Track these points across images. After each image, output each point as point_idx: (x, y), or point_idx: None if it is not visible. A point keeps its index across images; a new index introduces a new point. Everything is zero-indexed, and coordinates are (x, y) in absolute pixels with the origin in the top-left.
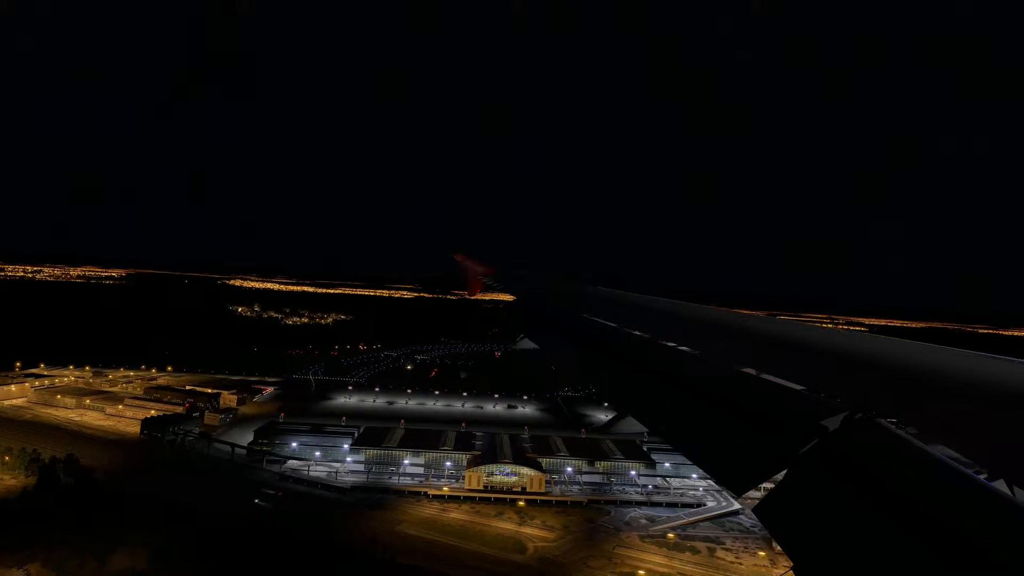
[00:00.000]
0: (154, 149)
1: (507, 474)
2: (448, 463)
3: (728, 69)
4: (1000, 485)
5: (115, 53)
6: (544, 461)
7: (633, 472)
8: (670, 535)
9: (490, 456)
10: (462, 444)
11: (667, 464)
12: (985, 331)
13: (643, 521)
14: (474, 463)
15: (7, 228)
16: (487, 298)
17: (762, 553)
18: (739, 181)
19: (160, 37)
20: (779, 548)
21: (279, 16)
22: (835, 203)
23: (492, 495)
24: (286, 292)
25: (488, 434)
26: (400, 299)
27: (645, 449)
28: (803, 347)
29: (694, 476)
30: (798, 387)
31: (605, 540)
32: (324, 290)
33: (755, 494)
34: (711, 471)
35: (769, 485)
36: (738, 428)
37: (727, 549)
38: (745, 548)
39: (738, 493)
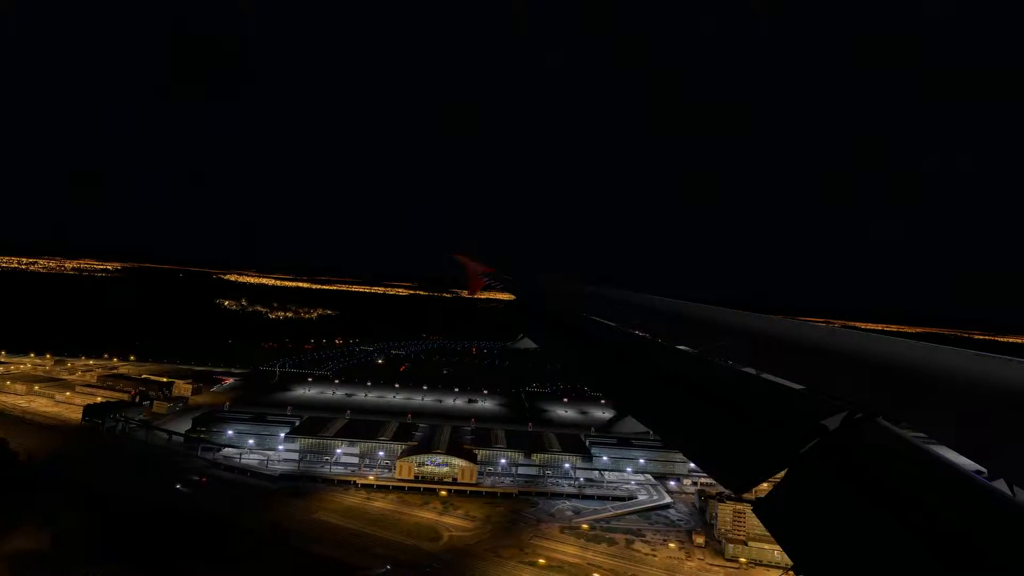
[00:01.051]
0: (158, 147)
1: (438, 464)
2: (381, 453)
3: (727, 69)
4: (1000, 485)
5: (111, 49)
6: (480, 453)
7: (567, 465)
8: (584, 526)
9: (425, 447)
10: (402, 435)
11: (605, 458)
12: (981, 336)
13: (568, 513)
14: (408, 453)
15: (9, 220)
16: (484, 296)
17: (672, 544)
18: (736, 182)
19: (161, 35)
20: (698, 541)
21: (277, 14)
22: (829, 207)
23: (422, 485)
24: (280, 288)
25: (430, 426)
26: (395, 296)
27: (587, 443)
28: (803, 347)
29: (628, 470)
30: (798, 387)
31: (524, 531)
32: (320, 286)
33: (691, 490)
34: (711, 471)
35: (769, 485)
36: (738, 428)
37: (645, 541)
38: (664, 540)
39: (738, 493)
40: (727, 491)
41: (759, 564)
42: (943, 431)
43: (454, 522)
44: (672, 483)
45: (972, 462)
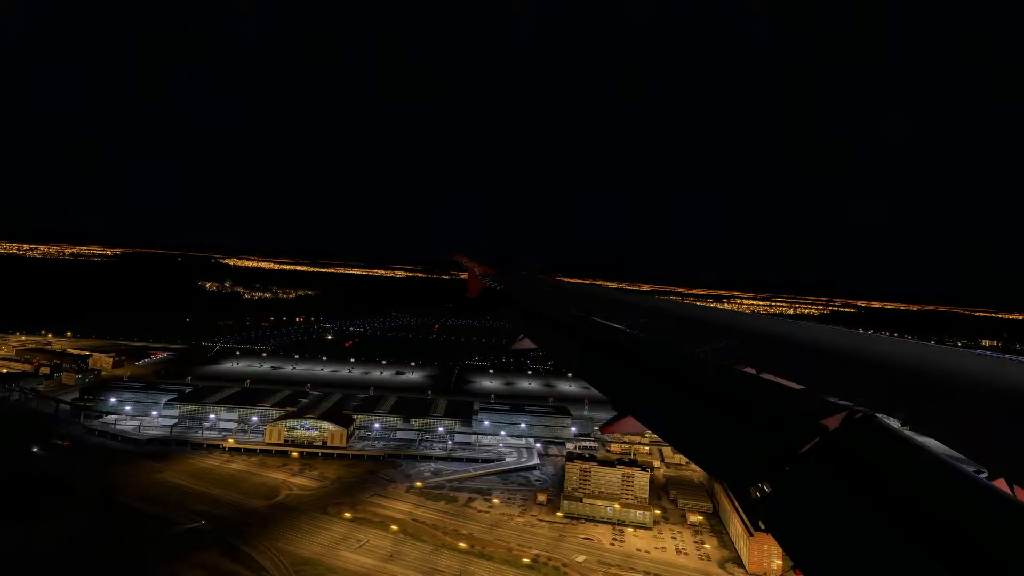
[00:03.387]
0: (188, 140)
1: (308, 428)
2: (255, 418)
3: (728, 68)
4: (1000, 484)
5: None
6: (359, 418)
7: (442, 429)
8: (418, 484)
9: (302, 412)
10: (288, 402)
11: (487, 423)
12: (983, 314)
13: (427, 474)
14: (283, 418)
15: (24, 208)
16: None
17: (496, 500)
18: (741, 175)
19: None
20: (540, 499)
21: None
22: (833, 188)
23: (288, 448)
24: (274, 271)
25: (322, 393)
26: (391, 278)
27: (477, 410)
28: (803, 347)
29: (503, 433)
30: (798, 387)
31: (367, 490)
32: (318, 269)
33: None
34: (712, 470)
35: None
36: (738, 428)
37: (487, 499)
38: (509, 499)
39: (738, 493)
40: (587, 453)
41: (590, 519)
42: (943, 431)
43: (302, 482)
44: (537, 446)
45: (972, 462)
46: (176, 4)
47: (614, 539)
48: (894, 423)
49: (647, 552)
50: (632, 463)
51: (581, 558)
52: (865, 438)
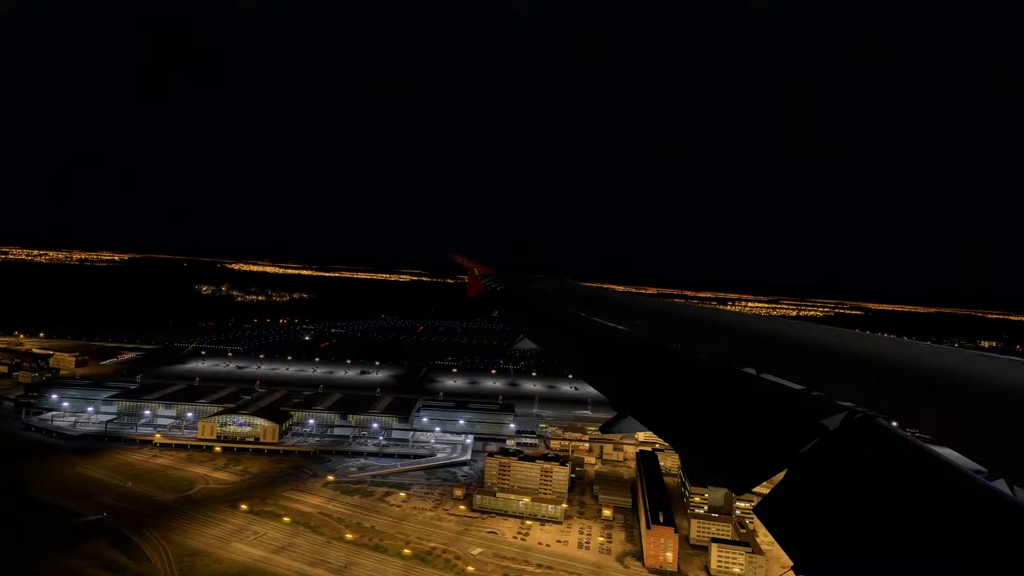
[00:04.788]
0: (163, 148)
1: (240, 424)
2: (190, 414)
3: (727, 66)
4: (1000, 485)
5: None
6: (297, 414)
7: (376, 425)
8: (330, 477)
9: (238, 409)
10: (230, 399)
11: (425, 419)
12: (995, 316)
13: (353, 469)
14: (219, 414)
15: (43, 215)
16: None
17: (402, 494)
18: (742, 173)
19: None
20: (457, 494)
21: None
22: (833, 188)
23: (219, 444)
24: (280, 275)
25: (268, 390)
26: (395, 282)
27: (419, 407)
28: (803, 347)
29: (437, 430)
30: (798, 387)
31: (285, 485)
32: (322, 274)
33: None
34: (711, 470)
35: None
36: (738, 428)
37: (403, 493)
38: (427, 493)
39: (738, 493)
40: (513, 448)
41: (502, 513)
42: (943, 431)
43: (221, 476)
44: (468, 441)
45: (972, 462)
46: (177, 4)
47: (518, 533)
48: (894, 423)
49: (548, 546)
50: (555, 459)
51: (476, 551)
52: (865, 438)
